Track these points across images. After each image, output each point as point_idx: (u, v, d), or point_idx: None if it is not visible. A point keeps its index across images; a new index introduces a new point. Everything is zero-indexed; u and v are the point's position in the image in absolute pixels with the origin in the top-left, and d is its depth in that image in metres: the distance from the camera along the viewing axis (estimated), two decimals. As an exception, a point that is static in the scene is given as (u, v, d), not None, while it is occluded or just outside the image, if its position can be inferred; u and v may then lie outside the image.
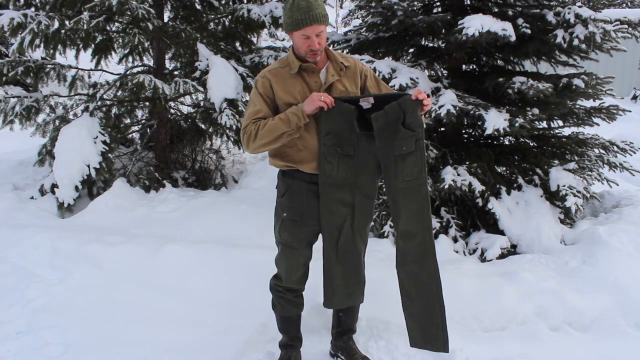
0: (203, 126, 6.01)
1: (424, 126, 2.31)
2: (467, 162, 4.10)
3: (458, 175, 3.91)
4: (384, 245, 3.86)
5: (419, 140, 2.23)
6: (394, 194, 2.33)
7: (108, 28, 5.16)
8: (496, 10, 4.27)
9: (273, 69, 2.39)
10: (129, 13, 4.65)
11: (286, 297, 2.52)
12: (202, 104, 5.88)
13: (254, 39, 6.32)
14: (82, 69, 5.80)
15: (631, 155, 4.46)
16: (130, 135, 6.27)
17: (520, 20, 3.96)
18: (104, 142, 4.84)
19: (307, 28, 2.22)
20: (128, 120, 6.05)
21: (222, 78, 4.75)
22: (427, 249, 2.31)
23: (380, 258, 3.53)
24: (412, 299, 2.37)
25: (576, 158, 4.37)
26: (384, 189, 2.47)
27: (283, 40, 6.65)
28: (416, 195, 2.27)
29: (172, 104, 5.87)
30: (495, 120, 3.68)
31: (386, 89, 2.50)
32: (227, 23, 5.56)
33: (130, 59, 6.02)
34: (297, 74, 2.33)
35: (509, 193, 4.11)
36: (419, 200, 2.27)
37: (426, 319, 2.35)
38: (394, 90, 3.30)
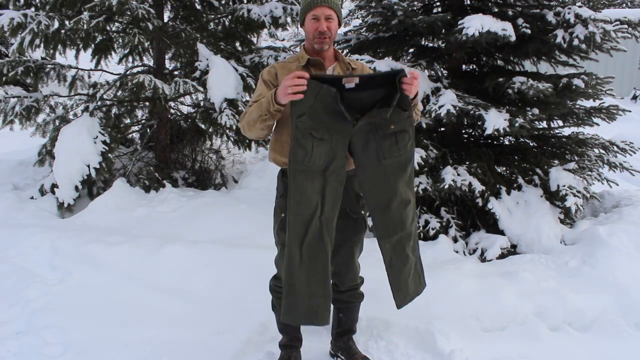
0: (203, 126, 6.02)
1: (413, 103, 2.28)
2: (467, 162, 4.10)
3: (458, 175, 3.91)
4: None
5: (410, 117, 2.26)
6: (378, 173, 2.26)
7: (108, 28, 5.16)
8: (496, 10, 4.27)
9: (281, 62, 2.46)
10: (129, 13, 4.66)
11: (286, 298, 2.52)
12: (202, 104, 5.88)
13: (254, 39, 6.33)
14: (82, 69, 5.80)
15: (631, 155, 4.46)
16: (130, 135, 6.28)
17: (520, 20, 3.96)
18: (104, 142, 4.85)
19: (317, 8, 2.29)
20: (128, 120, 6.06)
21: (222, 78, 4.75)
22: (415, 208, 2.40)
23: (379, 258, 3.50)
24: (404, 261, 2.37)
25: (576, 158, 4.37)
26: (356, 170, 2.31)
27: (283, 40, 6.66)
28: (407, 166, 2.31)
29: (172, 104, 5.87)
30: (495, 120, 3.68)
31: None
32: (227, 23, 5.57)
33: (130, 59, 6.02)
34: (304, 67, 2.36)
35: (509, 193, 4.11)
36: (408, 169, 2.32)
37: (415, 271, 2.42)
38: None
